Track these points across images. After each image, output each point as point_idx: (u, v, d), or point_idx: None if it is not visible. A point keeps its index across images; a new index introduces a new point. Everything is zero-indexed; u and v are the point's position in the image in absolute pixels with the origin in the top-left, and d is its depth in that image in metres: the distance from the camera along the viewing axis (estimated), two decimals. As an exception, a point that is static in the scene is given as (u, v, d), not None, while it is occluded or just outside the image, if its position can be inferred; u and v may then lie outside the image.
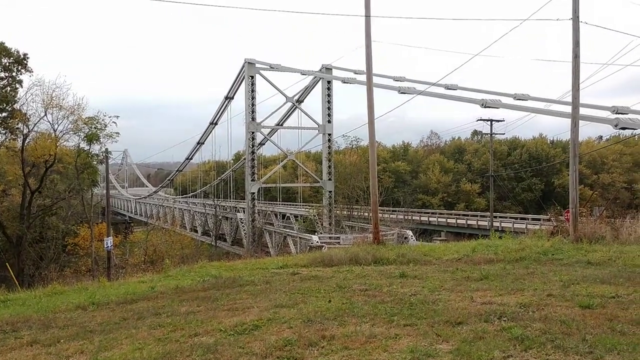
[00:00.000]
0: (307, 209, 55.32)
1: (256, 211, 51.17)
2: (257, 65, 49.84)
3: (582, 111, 19.18)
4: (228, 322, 7.18)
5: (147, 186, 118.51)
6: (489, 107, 25.24)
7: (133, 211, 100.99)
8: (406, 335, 6.00)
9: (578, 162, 16.28)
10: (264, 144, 57.23)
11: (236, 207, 59.73)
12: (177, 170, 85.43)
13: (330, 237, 36.86)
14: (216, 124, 62.62)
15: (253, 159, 50.52)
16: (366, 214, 43.45)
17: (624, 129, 19.12)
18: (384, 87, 33.13)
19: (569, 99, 16.28)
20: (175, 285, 11.25)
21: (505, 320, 6.45)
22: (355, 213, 49.83)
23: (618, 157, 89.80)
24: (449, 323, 6.42)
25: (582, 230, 15.13)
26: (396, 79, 35.74)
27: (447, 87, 31.13)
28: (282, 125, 55.22)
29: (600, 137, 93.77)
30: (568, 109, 17.27)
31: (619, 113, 21.46)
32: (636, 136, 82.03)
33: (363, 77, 20.26)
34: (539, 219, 45.99)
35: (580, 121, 16.77)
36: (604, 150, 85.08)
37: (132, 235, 68.61)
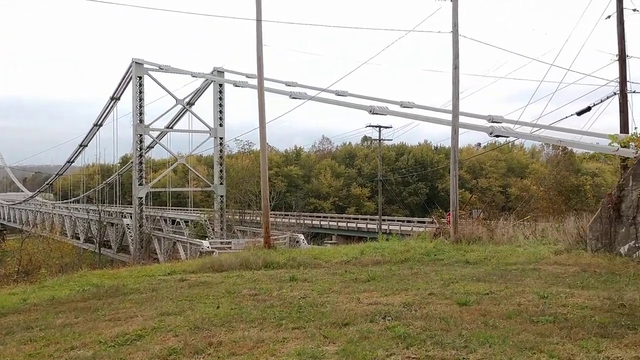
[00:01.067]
0: (198, 214, 54.18)
1: (144, 216, 49.27)
2: (146, 65, 48.11)
3: (462, 119, 20.39)
4: (109, 333, 6.81)
5: (22, 191, 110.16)
6: (377, 113, 26.11)
7: (6, 218, 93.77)
8: (294, 339, 6.01)
9: (458, 167, 17.24)
10: (152, 147, 55.38)
11: (122, 213, 57.19)
12: (57, 174, 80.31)
13: (221, 242, 36.39)
14: (101, 125, 59.69)
15: (141, 163, 48.65)
16: (258, 219, 43.32)
17: (497, 136, 20.59)
18: (275, 91, 33.24)
19: (451, 107, 17.22)
20: (51, 296, 10.49)
21: (389, 320, 6.65)
22: (248, 217, 49.56)
23: (494, 163, 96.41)
24: (336, 324, 6.52)
25: (461, 231, 16.03)
26: (288, 84, 35.98)
27: (338, 94, 31.82)
28: (172, 128, 53.68)
29: (479, 144, 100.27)
30: (450, 117, 18.25)
31: (494, 122, 23.06)
32: (509, 144, 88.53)
33: (255, 81, 20.20)
34: (423, 222, 48.28)
35: (460, 128, 17.79)
36: (482, 157, 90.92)
37: (5, 244, 63.46)
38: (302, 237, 35.42)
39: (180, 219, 53.31)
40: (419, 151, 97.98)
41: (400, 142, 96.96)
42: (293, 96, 31.76)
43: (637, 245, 11.07)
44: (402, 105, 28.87)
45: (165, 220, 54.39)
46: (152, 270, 13.65)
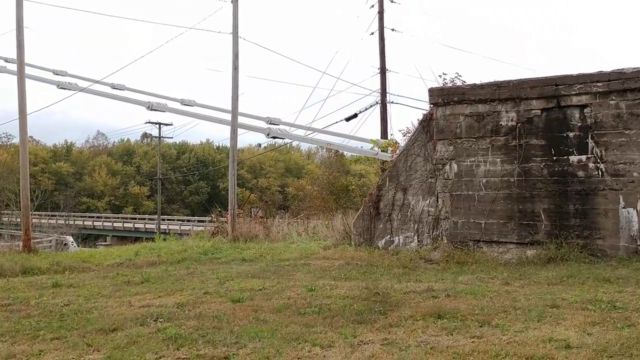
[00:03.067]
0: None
1: None
2: None
3: (242, 120, 20.80)
4: None
5: None
6: (156, 110, 25.30)
7: None
8: (53, 350, 5.50)
9: (239, 167, 17.55)
10: None
11: None
12: None
13: (-29, 248, 31.82)
14: None
15: None
16: (19, 220, 38.88)
17: (274, 138, 21.45)
18: (40, 79, 30.15)
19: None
20: None
21: (161, 322, 6.47)
22: (6, 219, 44.24)
23: (274, 163, 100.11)
24: (102, 331, 6.13)
25: (239, 230, 16.36)
26: (56, 72, 32.85)
27: (114, 87, 29.98)
28: None
29: (259, 145, 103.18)
30: (230, 116, 18.45)
31: (272, 124, 23.95)
32: (287, 144, 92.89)
33: (15, 67, 18.01)
34: (204, 221, 48.10)
35: (240, 129, 18.12)
36: (263, 157, 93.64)
37: None
38: (70, 239, 32.76)
39: None
40: (200, 150, 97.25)
41: (182, 140, 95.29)
42: (61, 86, 29.13)
43: (392, 239, 12.45)
44: (183, 102, 28.37)
45: None
46: None
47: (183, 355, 5.19)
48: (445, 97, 11.77)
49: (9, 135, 50.58)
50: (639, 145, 9.98)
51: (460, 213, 11.54)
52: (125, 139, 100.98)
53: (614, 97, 10.18)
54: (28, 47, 16.07)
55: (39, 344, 5.75)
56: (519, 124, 11.00)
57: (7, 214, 43.60)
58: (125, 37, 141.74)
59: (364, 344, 5.35)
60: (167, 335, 5.79)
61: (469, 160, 11.49)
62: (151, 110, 25.19)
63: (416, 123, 12.88)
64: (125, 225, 56.29)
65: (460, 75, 13.13)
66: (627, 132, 10.08)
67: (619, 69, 10.22)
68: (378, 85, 24.76)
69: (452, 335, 5.49)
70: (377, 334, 5.66)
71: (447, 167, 11.71)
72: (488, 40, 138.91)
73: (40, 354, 5.37)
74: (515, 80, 11.14)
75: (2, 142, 51.95)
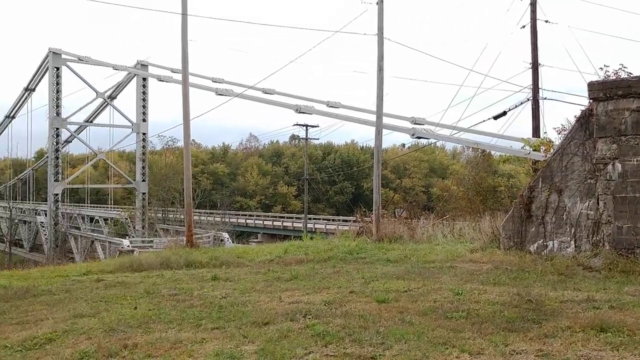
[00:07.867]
0: (118, 212, 52.47)
1: (60, 214, 47.07)
2: (64, 56, 45.99)
3: (386, 120, 20.82)
4: (16, 337, 6.45)
5: None
6: (303, 112, 26.24)
7: None
8: (213, 339, 5.93)
9: (383, 167, 17.60)
10: (70, 142, 53.00)
11: (36, 210, 54.39)
12: (-37, 168, 75.26)
13: (142, 241, 35.43)
14: (14, 117, 56.54)
15: (57, 157, 46.48)
16: (182, 217, 42.47)
17: (419, 138, 21.20)
18: (201, 87, 32.71)
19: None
20: (-48, 299, 9.81)
21: (309, 318, 6.69)
22: (171, 215, 48.49)
23: (418, 163, 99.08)
24: (256, 324, 6.49)
25: (383, 230, 16.37)
26: (214, 80, 35.46)
27: (265, 92, 31.65)
28: (91, 122, 51.60)
29: (404, 145, 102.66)
30: (374, 117, 18.57)
31: (416, 124, 23.69)
32: (432, 145, 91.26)
33: (180, 76, 19.76)
34: (348, 220, 48.91)
35: (384, 129, 18.16)
36: (406, 157, 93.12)
37: None
38: (226, 235, 35.09)
39: (99, 216, 51.48)
40: (345, 150, 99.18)
41: (327, 141, 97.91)
42: (219, 93, 31.33)
43: (545, 243, 11.71)
44: (329, 105, 29.09)
45: (83, 218, 52.34)
46: (66, 271, 13.05)
47: (331, 353, 5.32)
48: (607, 91, 10.80)
49: (174, 139, 55.55)
50: None
51: (625, 217, 10.53)
52: (275, 141, 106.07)
53: None
54: (191, 58, 17.49)
55: (201, 332, 6.23)
56: (697, 119, 9.78)
57: (172, 211, 47.77)
58: (275, 44, 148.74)
59: (517, 353, 5.09)
60: (315, 332, 5.97)
61: (635, 159, 10.44)
62: (299, 112, 26.24)
63: (572, 120, 12.00)
64: (275, 223, 59.00)
65: (625, 67, 11.95)
66: None
67: None
68: (529, 81, 23.47)
69: (617, 351, 5.04)
70: (531, 344, 5.36)
71: (610, 167, 10.74)
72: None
73: (202, 342, 5.82)
74: (693, 69, 9.93)
75: (169, 145, 57.10)
